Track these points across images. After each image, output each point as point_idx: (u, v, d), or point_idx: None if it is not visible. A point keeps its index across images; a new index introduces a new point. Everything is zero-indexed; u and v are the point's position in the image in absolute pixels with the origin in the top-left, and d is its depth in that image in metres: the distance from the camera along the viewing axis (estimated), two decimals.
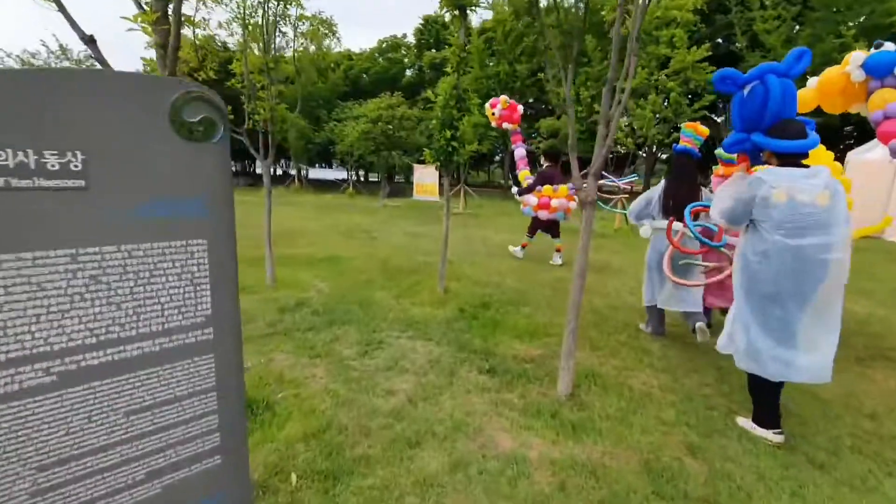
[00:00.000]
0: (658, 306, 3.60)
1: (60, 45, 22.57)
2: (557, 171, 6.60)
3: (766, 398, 2.31)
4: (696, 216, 3.32)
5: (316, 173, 40.51)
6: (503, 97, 6.82)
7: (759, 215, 2.16)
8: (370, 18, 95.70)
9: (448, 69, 4.06)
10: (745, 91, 2.32)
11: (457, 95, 4.04)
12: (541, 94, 19.61)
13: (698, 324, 3.31)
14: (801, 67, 2.24)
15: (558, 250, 6.60)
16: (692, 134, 3.58)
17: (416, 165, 15.48)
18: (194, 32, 3.12)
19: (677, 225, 3.31)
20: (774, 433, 2.27)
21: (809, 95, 3.59)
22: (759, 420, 2.34)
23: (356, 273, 5.43)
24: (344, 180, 30.00)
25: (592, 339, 3.57)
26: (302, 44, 5.02)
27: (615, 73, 2.35)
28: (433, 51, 29.46)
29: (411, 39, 32.79)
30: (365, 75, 31.65)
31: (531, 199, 6.38)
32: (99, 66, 2.01)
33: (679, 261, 3.36)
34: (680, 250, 3.27)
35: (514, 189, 6.70)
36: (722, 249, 3.24)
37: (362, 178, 34.77)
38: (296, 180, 24.28)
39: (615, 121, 2.36)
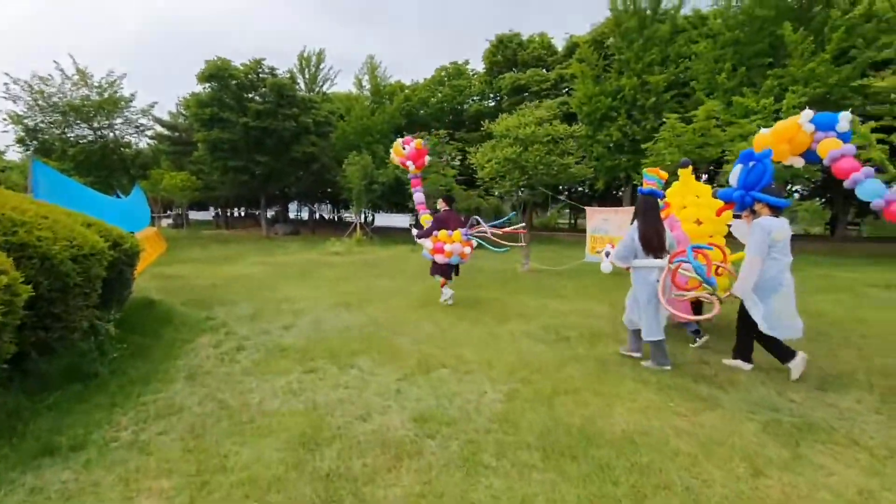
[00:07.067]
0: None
1: (78, 69, 18.00)
2: (453, 214, 6.53)
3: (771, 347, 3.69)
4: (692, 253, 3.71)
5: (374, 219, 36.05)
6: (419, 140, 6.93)
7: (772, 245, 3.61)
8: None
9: None
10: (751, 165, 3.93)
11: None
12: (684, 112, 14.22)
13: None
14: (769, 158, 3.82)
15: (443, 284, 6.55)
16: (655, 177, 4.21)
17: (590, 209, 9.53)
18: None
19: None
20: None
21: (763, 140, 4.10)
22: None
23: None
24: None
25: None
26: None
27: None
28: (513, 72, 25.08)
29: (475, 67, 28.72)
30: (422, 111, 27.25)
31: (427, 243, 6.27)
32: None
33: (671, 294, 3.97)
34: (675, 284, 3.99)
35: (414, 232, 6.72)
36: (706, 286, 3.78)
37: None
38: (358, 228, 19.90)
39: None
